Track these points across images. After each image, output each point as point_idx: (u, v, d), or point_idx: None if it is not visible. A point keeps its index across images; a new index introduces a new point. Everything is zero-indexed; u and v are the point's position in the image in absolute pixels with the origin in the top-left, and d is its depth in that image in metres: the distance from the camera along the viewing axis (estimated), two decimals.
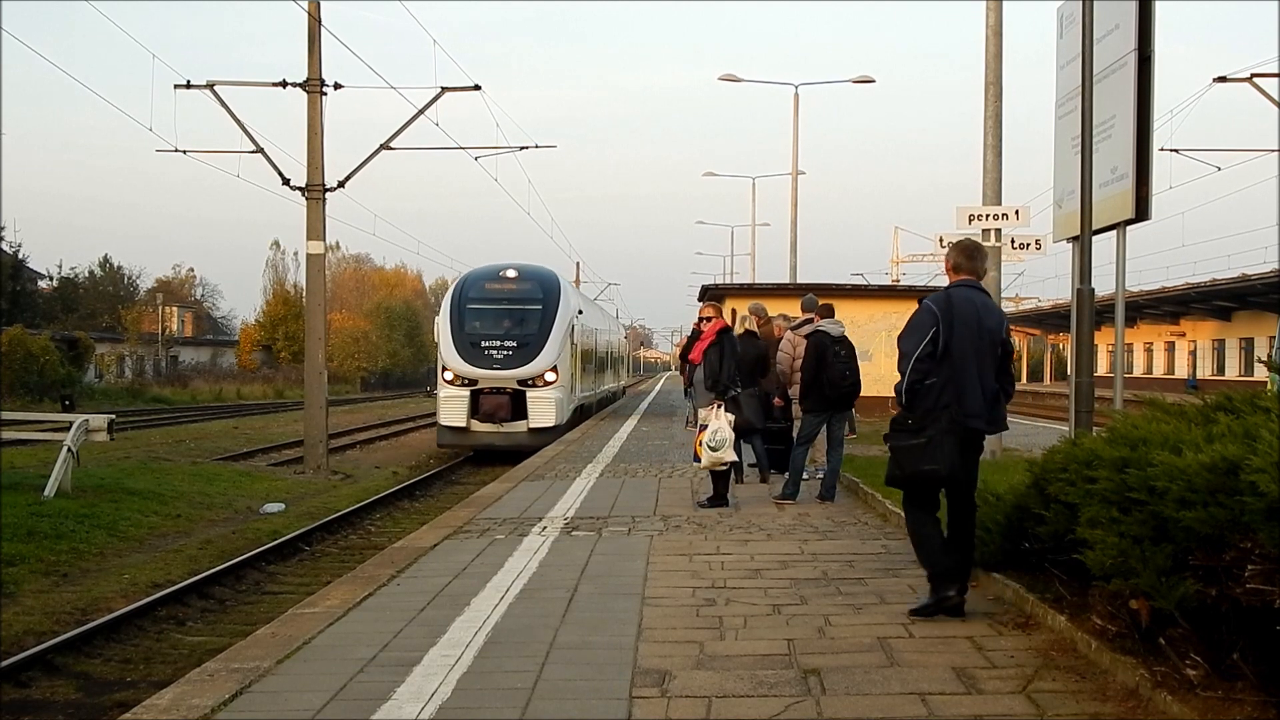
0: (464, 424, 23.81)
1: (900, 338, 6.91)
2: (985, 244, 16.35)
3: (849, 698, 5.18)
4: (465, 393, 23.81)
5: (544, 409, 23.84)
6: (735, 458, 11.54)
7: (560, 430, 23.83)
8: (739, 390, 11.83)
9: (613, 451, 18.77)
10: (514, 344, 24.09)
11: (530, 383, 23.85)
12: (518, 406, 23.74)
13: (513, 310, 25.09)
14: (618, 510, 11.52)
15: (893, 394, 6.82)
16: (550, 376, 24.07)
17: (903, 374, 6.72)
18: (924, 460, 6.66)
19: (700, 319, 12.39)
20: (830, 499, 11.98)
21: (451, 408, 23.94)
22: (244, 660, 5.94)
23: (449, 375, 24.02)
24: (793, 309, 14.16)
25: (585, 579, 7.99)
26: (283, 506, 17.88)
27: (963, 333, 6.69)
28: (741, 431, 11.81)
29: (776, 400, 13.60)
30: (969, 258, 7.06)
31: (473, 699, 5.24)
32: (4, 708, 7.87)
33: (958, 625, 6.49)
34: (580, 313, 27.64)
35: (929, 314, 6.76)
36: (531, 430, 23.53)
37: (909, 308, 8.31)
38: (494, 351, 23.90)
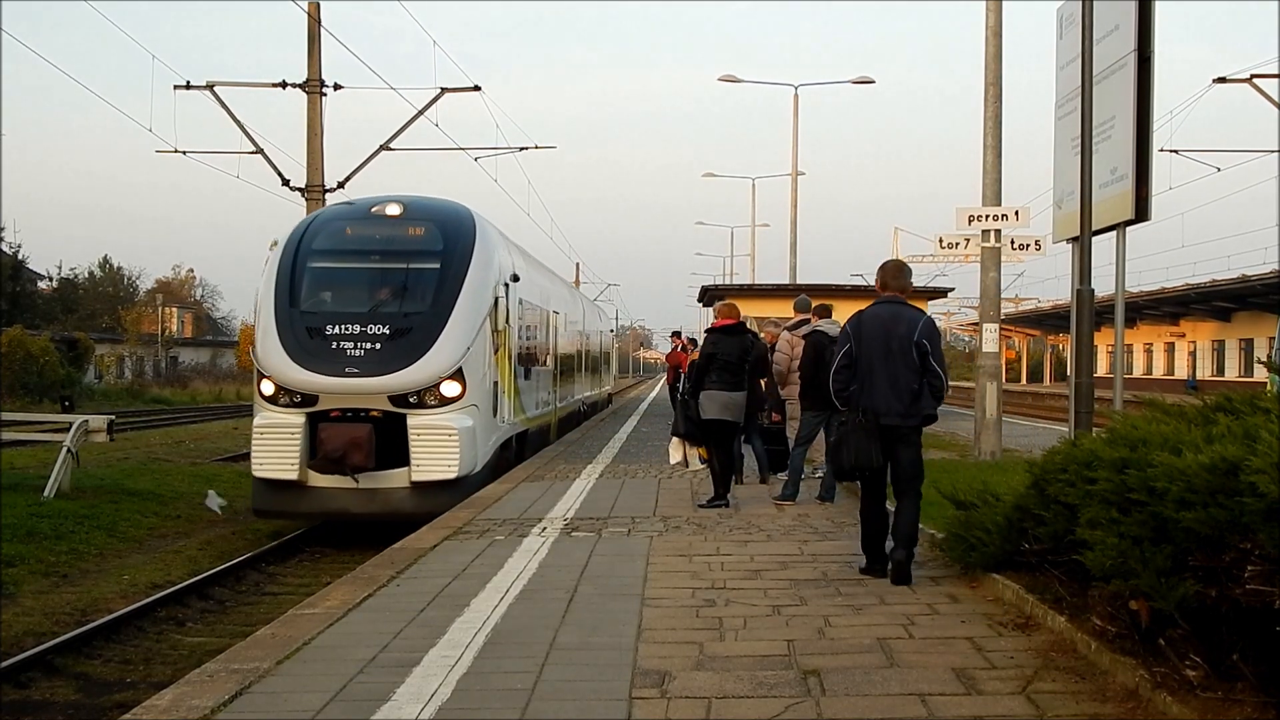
0: (294, 475, 13.58)
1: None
2: (986, 244, 16.38)
3: (849, 698, 5.18)
4: (296, 419, 13.63)
5: (438, 447, 13.68)
6: (676, 459, 12.62)
7: (473, 484, 13.94)
8: (689, 396, 12.02)
9: (613, 452, 18.76)
10: (386, 330, 13.90)
11: (415, 399, 13.73)
12: (390, 443, 13.62)
13: (389, 272, 15.01)
14: (617, 511, 11.51)
15: None
16: (451, 388, 13.89)
17: (827, 384, 8.11)
18: (844, 457, 7.90)
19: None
20: (830, 500, 11.98)
21: (271, 446, 13.72)
22: (244, 661, 5.93)
23: (267, 388, 13.86)
24: (790, 311, 14.14)
25: (585, 580, 7.99)
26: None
27: (869, 345, 7.85)
28: (711, 429, 11.88)
29: (774, 416, 13.59)
30: (894, 277, 8.26)
31: (472, 700, 5.24)
32: (4, 708, 7.87)
33: (957, 626, 6.49)
34: (516, 279, 16.98)
35: (844, 334, 8.09)
36: (416, 485, 13.63)
37: (911, 305, 8.47)
38: (349, 344, 13.73)
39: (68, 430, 16.98)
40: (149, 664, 9.11)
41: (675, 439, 12.56)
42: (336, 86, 23.69)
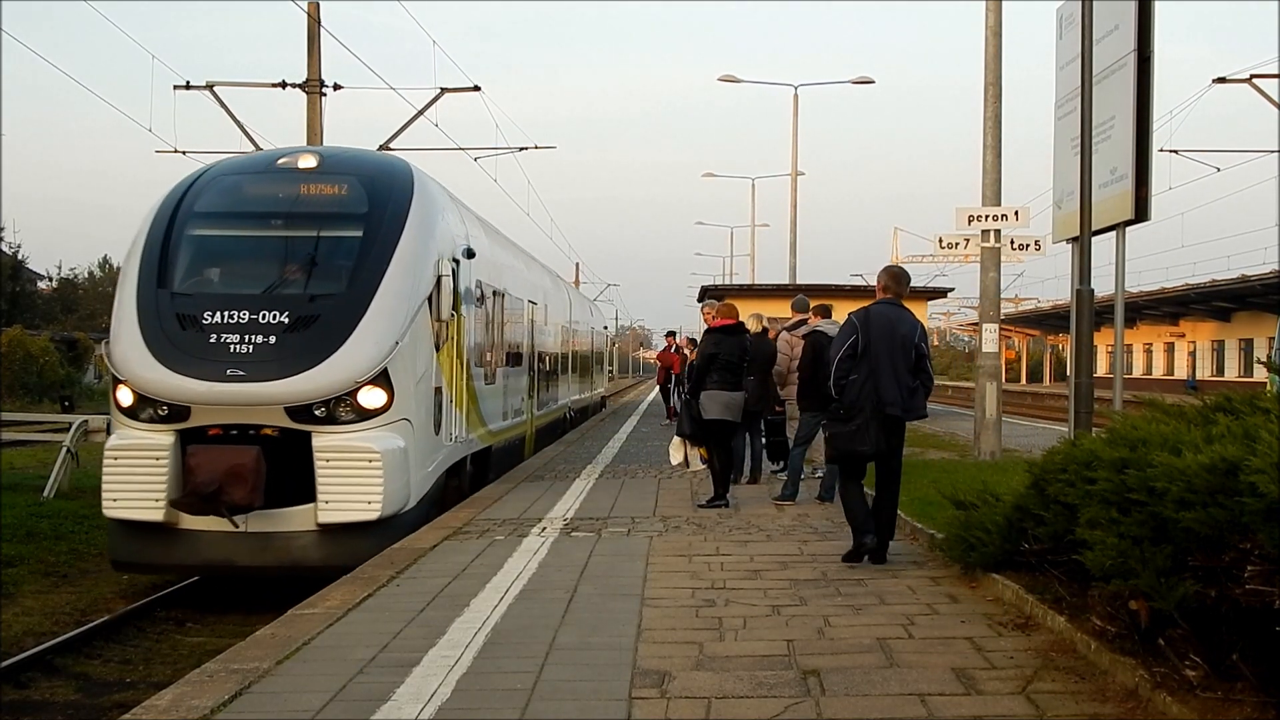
0: (158, 515, 10.26)
1: (832, 345, 8.83)
2: (985, 244, 16.38)
3: (848, 698, 5.18)
4: (162, 439, 10.38)
5: (355, 477, 10.37)
6: (677, 460, 12.45)
7: (404, 524, 10.62)
8: (690, 396, 11.94)
9: (612, 452, 18.76)
10: (285, 318, 10.61)
11: (323, 412, 10.42)
12: (289, 472, 10.30)
13: (293, 241, 11.57)
14: (617, 511, 11.51)
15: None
16: (373, 397, 10.58)
17: (830, 375, 8.51)
18: (856, 442, 8.34)
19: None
20: (830, 500, 11.96)
21: (127, 475, 10.42)
22: (244, 661, 5.94)
23: (125, 396, 10.57)
24: (789, 311, 14.14)
25: (585, 580, 8.00)
26: None
27: (878, 339, 8.32)
28: (714, 429, 11.85)
29: (776, 407, 13.60)
30: (895, 281, 8.81)
31: (472, 700, 5.24)
32: (4, 708, 7.87)
33: (957, 626, 6.50)
34: (471, 256, 13.49)
35: (851, 326, 8.49)
36: (325, 529, 10.35)
37: (909, 308, 8.71)
38: (234, 338, 10.49)
39: (67, 430, 17.00)
40: (149, 664, 9.12)
41: (677, 439, 12.50)
42: (336, 86, 23.67)
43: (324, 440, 10.38)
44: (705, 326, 13.22)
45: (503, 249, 17.58)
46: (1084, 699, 5.07)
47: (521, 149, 27.11)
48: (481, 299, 14.61)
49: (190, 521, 10.33)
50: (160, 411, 10.44)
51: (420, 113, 24.20)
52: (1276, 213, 56.43)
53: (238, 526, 10.21)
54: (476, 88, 24.64)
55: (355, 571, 8.53)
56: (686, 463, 12.50)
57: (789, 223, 37.61)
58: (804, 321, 12.86)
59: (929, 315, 31.50)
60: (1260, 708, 4.45)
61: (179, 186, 11.96)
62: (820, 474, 12.54)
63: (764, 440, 14.18)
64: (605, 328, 43.55)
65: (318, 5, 23.11)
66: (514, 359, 17.64)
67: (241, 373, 10.29)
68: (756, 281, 48.96)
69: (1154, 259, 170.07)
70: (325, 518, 10.32)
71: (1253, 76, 26.22)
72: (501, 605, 7.16)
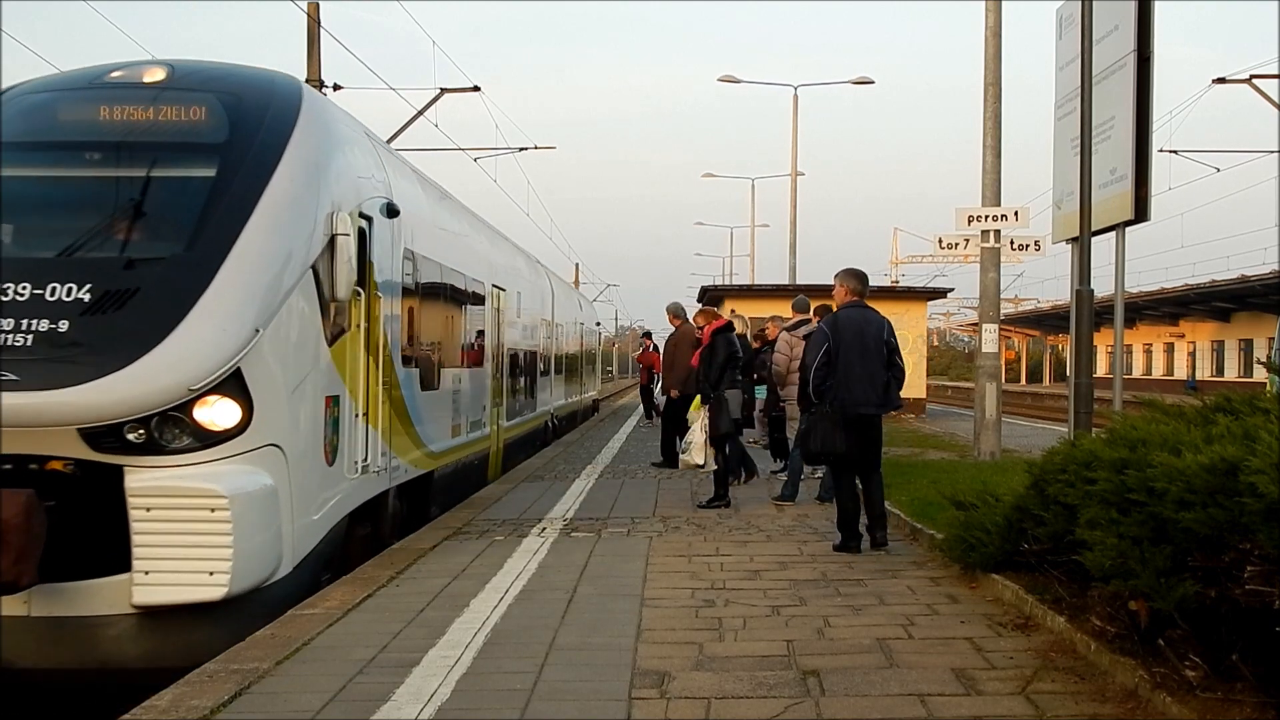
0: None
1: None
2: (985, 245, 16.38)
3: (848, 699, 5.18)
4: None
5: (188, 535, 6.75)
6: (699, 461, 11.95)
7: (272, 603, 7.20)
8: (714, 394, 11.75)
9: (612, 453, 18.75)
10: (85, 294, 7.01)
11: (140, 435, 6.80)
12: (89, 527, 6.76)
13: (114, 184, 7.92)
14: (617, 511, 11.51)
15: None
16: (219, 411, 7.00)
17: (807, 381, 9.08)
18: (811, 443, 9.12)
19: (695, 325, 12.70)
20: (830, 500, 11.95)
21: None
22: (243, 661, 5.94)
23: None
24: (789, 311, 14.14)
25: (584, 580, 7.99)
26: None
27: (848, 343, 8.88)
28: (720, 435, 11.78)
29: (782, 404, 13.65)
30: (860, 282, 9.43)
31: (472, 700, 5.24)
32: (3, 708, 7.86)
33: (957, 626, 6.50)
34: (391, 213, 9.73)
35: (821, 334, 9.12)
36: (145, 611, 6.75)
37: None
38: (5, 325, 6.84)
39: None
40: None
41: (699, 441, 11.85)
42: (336, 87, 23.64)
43: (142, 478, 6.86)
44: (671, 329, 13.47)
45: (450, 214, 13.59)
46: (1084, 699, 5.07)
47: (521, 149, 27.20)
48: (414, 275, 10.98)
49: None
50: None
51: (420, 113, 24.21)
52: (1276, 213, 56.63)
53: (26, 603, 6.71)
54: (476, 88, 24.66)
55: (355, 571, 8.51)
56: (703, 464, 12.09)
57: (789, 223, 37.65)
58: (805, 321, 12.86)
59: (929, 315, 31.44)
60: (1260, 708, 4.46)
61: None
62: (820, 474, 12.54)
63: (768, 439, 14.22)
64: (598, 324, 38.86)
65: (318, 5, 23.09)
66: (471, 357, 14.04)
67: (12, 376, 6.71)
68: (756, 282, 48.99)
69: (1154, 259, 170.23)
70: (145, 596, 6.80)
71: (1253, 77, 26.25)
72: (501, 605, 7.16)
